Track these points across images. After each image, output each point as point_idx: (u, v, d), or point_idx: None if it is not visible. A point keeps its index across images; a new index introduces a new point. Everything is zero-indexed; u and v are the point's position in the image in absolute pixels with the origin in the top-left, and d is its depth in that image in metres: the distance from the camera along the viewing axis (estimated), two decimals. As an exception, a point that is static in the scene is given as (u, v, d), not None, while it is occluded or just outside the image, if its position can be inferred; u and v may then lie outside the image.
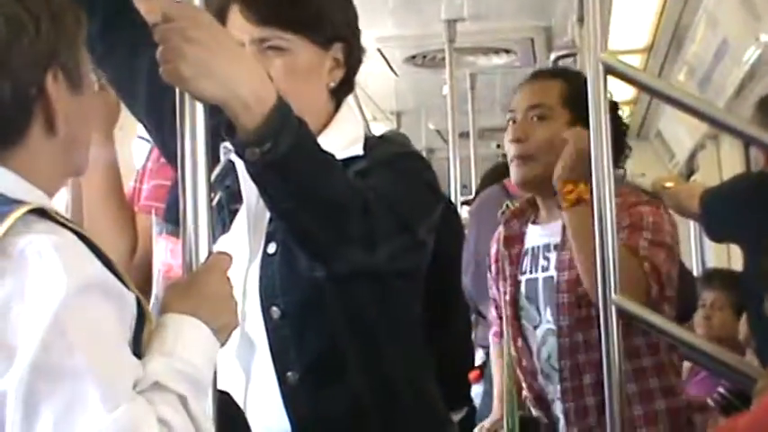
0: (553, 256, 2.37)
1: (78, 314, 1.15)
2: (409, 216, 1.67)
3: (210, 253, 1.40)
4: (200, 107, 1.40)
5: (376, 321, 1.75)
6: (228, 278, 1.38)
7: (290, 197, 1.50)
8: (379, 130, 6.66)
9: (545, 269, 2.39)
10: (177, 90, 1.40)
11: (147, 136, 2.55)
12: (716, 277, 4.22)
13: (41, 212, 1.21)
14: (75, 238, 1.21)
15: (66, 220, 1.24)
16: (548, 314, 2.36)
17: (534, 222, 2.48)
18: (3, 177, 1.26)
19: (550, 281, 2.36)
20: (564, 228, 2.34)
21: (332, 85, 1.80)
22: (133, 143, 2.67)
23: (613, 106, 2.27)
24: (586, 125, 2.16)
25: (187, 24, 1.36)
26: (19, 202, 1.21)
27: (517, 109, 2.43)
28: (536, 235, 2.46)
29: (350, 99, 1.89)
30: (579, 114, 2.28)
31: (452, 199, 4.75)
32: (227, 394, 1.46)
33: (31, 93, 1.26)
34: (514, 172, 2.41)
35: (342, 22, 1.80)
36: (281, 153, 1.42)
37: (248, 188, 1.76)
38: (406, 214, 1.65)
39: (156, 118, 1.80)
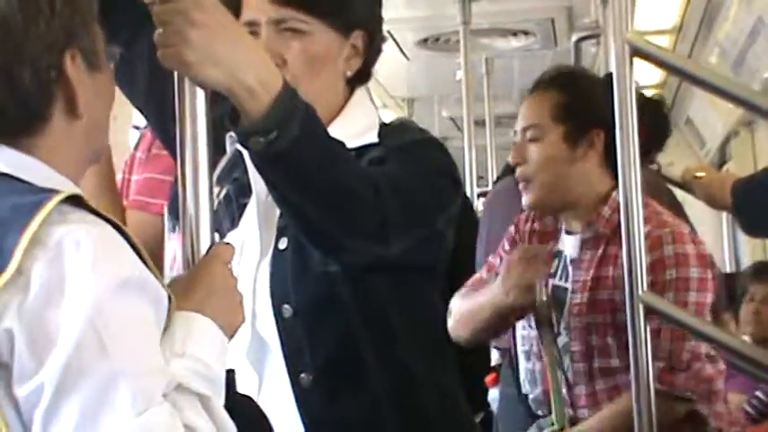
0: (571, 270, 2.41)
1: (114, 313, 1.17)
2: (426, 206, 1.68)
3: (212, 245, 1.41)
4: (201, 94, 1.40)
5: (394, 319, 1.76)
6: (231, 270, 1.39)
7: (298, 188, 1.51)
8: (389, 117, 6.69)
9: (566, 280, 2.42)
10: (176, 76, 1.41)
11: (138, 124, 2.57)
12: (765, 270, 4.21)
13: (76, 201, 1.22)
14: (111, 229, 1.22)
15: (98, 209, 1.25)
16: (562, 328, 2.40)
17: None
18: (31, 166, 1.27)
19: (564, 294, 2.40)
20: (582, 244, 2.38)
21: (348, 74, 1.81)
22: (129, 133, 2.68)
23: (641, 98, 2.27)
24: (583, 133, 2.26)
25: (190, 6, 1.36)
26: (50, 191, 1.22)
27: (518, 129, 2.48)
28: (564, 241, 2.48)
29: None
30: (577, 125, 2.34)
31: (468, 191, 4.76)
32: (249, 397, 1.46)
33: (51, 76, 1.27)
34: (522, 196, 2.46)
35: (365, 9, 1.81)
36: (287, 142, 1.43)
37: (258, 180, 1.75)
38: (422, 204, 1.66)
39: (156, 105, 1.81)
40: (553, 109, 2.41)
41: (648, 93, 2.51)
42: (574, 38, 4.70)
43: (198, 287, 1.34)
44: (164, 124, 1.80)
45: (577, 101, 2.40)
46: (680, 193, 3.10)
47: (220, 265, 1.38)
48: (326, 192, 1.52)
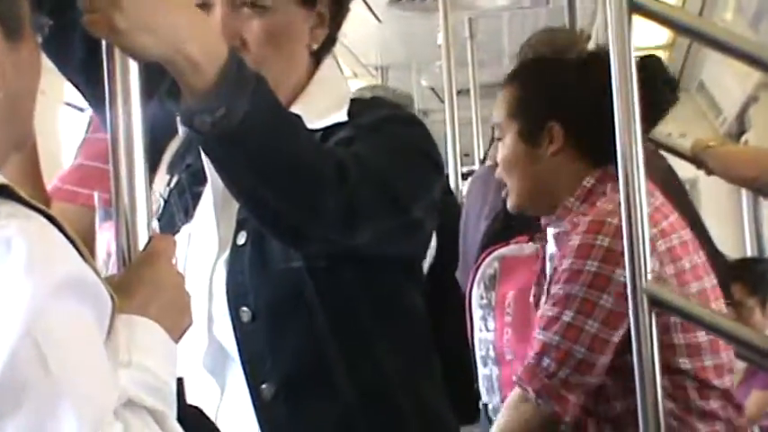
0: (548, 268, 2.45)
1: (55, 321, 1.14)
2: (400, 190, 1.68)
3: (149, 239, 1.40)
4: (134, 66, 1.39)
5: (366, 320, 1.77)
6: (176, 266, 1.38)
7: (251, 171, 1.50)
8: (360, 87, 6.69)
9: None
10: (105, 45, 1.40)
11: (77, 103, 2.56)
12: None
13: (2, 192, 1.19)
14: (45, 222, 1.20)
15: (29, 199, 1.22)
16: None
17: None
18: None
19: None
20: (555, 240, 2.43)
21: (314, 46, 1.82)
22: (59, 111, 2.67)
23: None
24: (539, 129, 2.33)
25: None
26: None
27: None
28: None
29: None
30: (531, 120, 2.39)
31: (451, 171, 4.76)
32: (199, 409, 1.46)
33: None
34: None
35: None
36: (237, 119, 1.42)
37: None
38: (396, 188, 1.67)
39: (94, 81, 1.80)
40: (509, 105, 2.46)
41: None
42: (569, -7, 4.70)
43: (139, 286, 1.33)
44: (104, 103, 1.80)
45: (534, 94, 2.43)
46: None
47: (163, 260, 1.37)
48: (283, 172, 1.52)
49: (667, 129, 2.88)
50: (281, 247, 1.70)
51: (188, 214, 1.81)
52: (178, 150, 1.84)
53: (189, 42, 1.38)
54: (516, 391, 2.26)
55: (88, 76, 1.82)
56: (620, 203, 2.06)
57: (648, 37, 5.53)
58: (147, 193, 1.41)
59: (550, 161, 2.39)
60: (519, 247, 2.83)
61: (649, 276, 2.05)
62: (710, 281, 2.36)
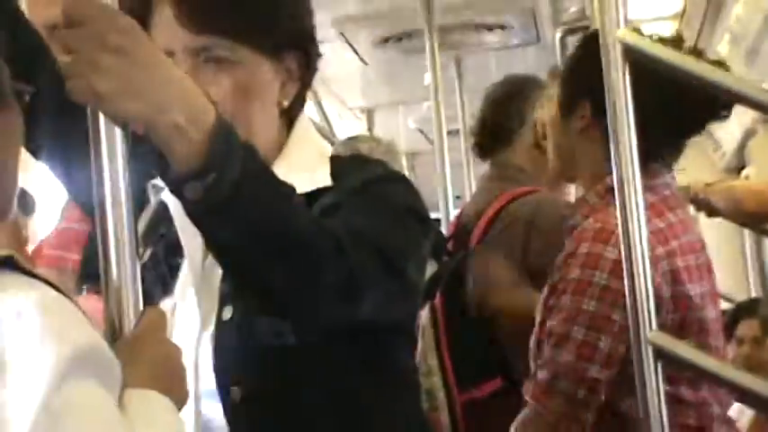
0: None
1: (72, 392, 1.14)
2: (393, 254, 1.66)
3: (142, 312, 1.40)
4: (118, 132, 1.39)
5: (361, 389, 1.76)
6: (168, 338, 1.38)
7: (247, 240, 1.47)
8: (345, 129, 6.69)
9: None
10: (90, 113, 1.39)
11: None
12: None
13: (4, 262, 1.19)
14: (52, 291, 1.20)
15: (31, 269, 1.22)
16: None
17: None
18: None
19: None
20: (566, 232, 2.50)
21: (285, 103, 1.81)
22: (36, 172, 2.67)
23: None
24: (570, 102, 2.47)
25: (103, 28, 1.32)
26: None
27: None
28: None
29: (307, 101, 1.90)
30: (565, 92, 2.54)
31: (442, 215, 4.76)
32: None
33: None
34: None
35: (294, 24, 1.81)
36: (228, 186, 1.39)
37: (189, 236, 1.74)
38: (389, 252, 1.65)
39: (61, 151, 1.79)
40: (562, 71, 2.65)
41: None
42: (558, 32, 4.74)
43: (136, 360, 1.32)
44: (71, 173, 1.80)
45: (577, 66, 2.56)
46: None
47: (159, 333, 1.37)
48: (280, 244, 1.49)
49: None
50: (271, 322, 1.68)
51: (166, 288, 1.80)
52: (150, 221, 1.83)
53: (173, 106, 1.36)
54: (530, 410, 2.29)
55: (53, 147, 1.81)
56: (620, 257, 2.08)
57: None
58: (134, 270, 1.39)
59: (578, 138, 2.50)
60: None
61: (654, 326, 2.06)
62: (712, 312, 2.38)
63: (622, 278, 2.15)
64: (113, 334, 1.38)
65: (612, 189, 2.31)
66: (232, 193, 1.40)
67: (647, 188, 2.19)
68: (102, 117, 1.38)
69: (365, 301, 1.60)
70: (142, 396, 1.28)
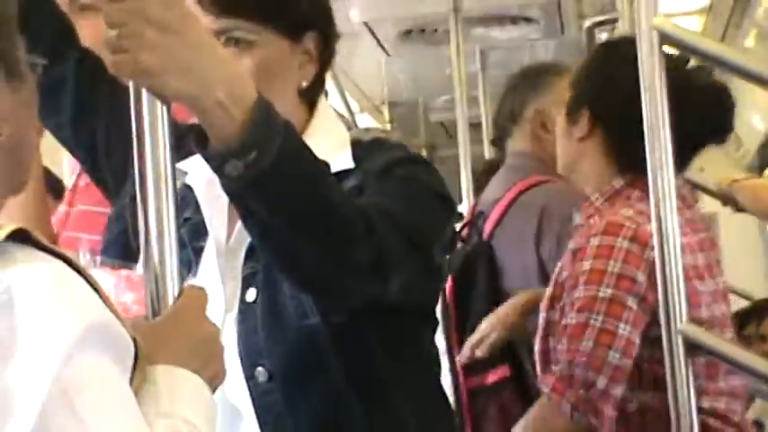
0: None
1: (85, 369, 1.14)
2: (420, 235, 1.69)
3: (181, 290, 1.40)
4: (163, 109, 1.38)
5: (384, 369, 1.77)
6: (208, 317, 1.39)
7: (282, 218, 1.50)
8: (366, 121, 6.69)
9: None
10: (132, 88, 1.38)
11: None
12: None
13: (20, 236, 1.19)
14: (65, 266, 1.19)
15: (47, 243, 1.21)
16: None
17: None
18: None
19: None
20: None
21: (304, 84, 1.83)
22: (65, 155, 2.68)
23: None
24: (574, 109, 2.49)
25: (149, 2, 1.33)
26: None
27: None
28: None
29: (329, 90, 1.91)
30: (571, 99, 2.55)
31: (465, 207, 4.77)
32: None
33: None
34: None
35: (313, 6, 1.83)
36: (269, 164, 1.42)
37: (215, 219, 1.78)
38: (415, 233, 1.67)
39: (86, 135, 1.81)
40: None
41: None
42: (586, 24, 4.72)
43: (176, 336, 1.33)
44: (94, 159, 1.82)
45: (583, 74, 2.58)
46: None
47: (198, 311, 1.38)
48: (317, 219, 1.52)
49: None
50: (295, 302, 1.70)
51: (191, 270, 1.81)
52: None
53: (217, 84, 1.38)
54: (545, 402, 2.28)
55: (76, 132, 1.84)
56: (653, 245, 2.08)
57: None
58: (176, 244, 1.39)
59: (578, 145, 2.52)
60: None
61: (684, 318, 2.06)
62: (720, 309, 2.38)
63: (637, 268, 2.16)
64: (154, 312, 1.39)
65: (619, 192, 2.35)
66: (272, 171, 1.43)
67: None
68: (144, 94, 1.38)
69: (392, 280, 1.62)
70: (176, 374, 1.29)
